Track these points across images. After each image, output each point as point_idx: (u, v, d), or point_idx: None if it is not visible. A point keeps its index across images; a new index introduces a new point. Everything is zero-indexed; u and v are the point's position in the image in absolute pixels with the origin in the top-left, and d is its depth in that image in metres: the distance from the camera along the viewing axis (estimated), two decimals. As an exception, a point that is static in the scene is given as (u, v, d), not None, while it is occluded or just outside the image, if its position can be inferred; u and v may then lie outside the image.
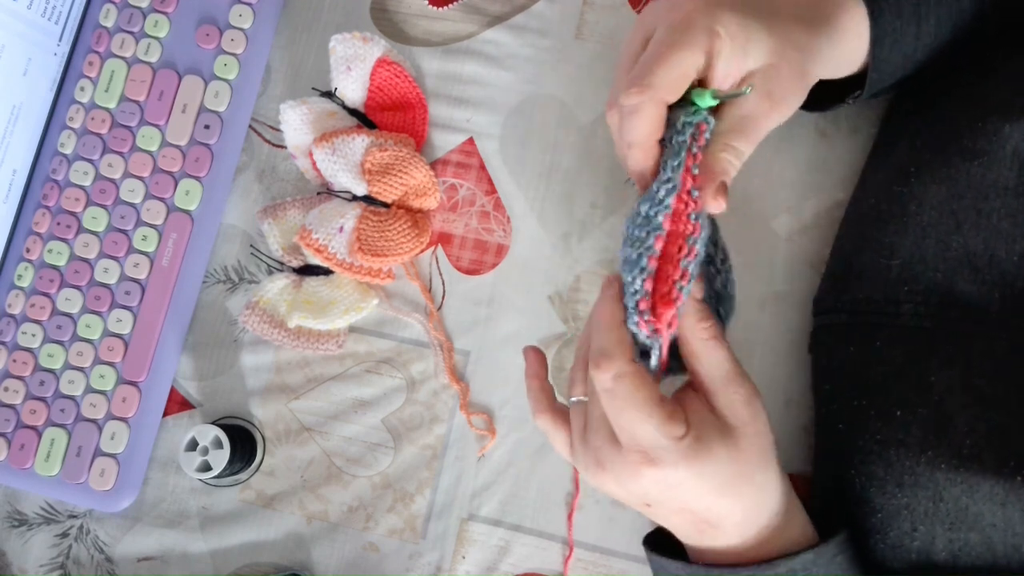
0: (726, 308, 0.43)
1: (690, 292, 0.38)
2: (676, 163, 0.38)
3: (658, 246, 0.37)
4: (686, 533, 0.41)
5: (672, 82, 0.38)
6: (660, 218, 0.37)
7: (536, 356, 0.45)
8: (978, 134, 0.43)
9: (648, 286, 0.37)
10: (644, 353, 0.39)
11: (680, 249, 0.37)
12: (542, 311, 0.56)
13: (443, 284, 0.58)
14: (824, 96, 0.47)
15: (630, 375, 0.37)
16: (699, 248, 0.38)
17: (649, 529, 0.48)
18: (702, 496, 0.38)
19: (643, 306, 0.37)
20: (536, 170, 0.58)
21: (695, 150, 0.38)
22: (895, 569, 0.41)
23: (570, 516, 0.53)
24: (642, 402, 0.37)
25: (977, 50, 0.46)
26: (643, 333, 0.38)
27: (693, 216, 0.38)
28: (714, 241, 0.40)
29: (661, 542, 0.45)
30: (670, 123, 0.40)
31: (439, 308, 0.57)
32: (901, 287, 0.44)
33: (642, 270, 0.37)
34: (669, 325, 0.37)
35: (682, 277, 0.37)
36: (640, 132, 0.39)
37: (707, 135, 0.39)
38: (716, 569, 0.40)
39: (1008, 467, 0.38)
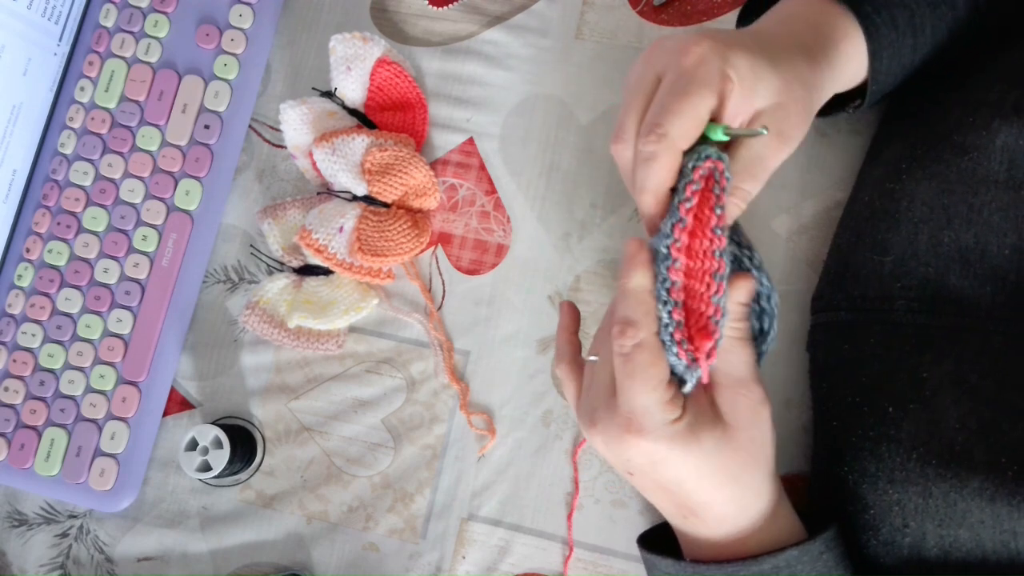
0: (769, 322, 0.43)
1: (725, 326, 0.39)
2: (678, 200, 0.38)
3: (673, 277, 0.38)
4: (671, 514, 0.42)
5: (687, 131, 0.38)
6: (665, 249, 0.38)
7: (570, 310, 0.47)
8: (968, 130, 0.43)
9: (677, 316, 0.38)
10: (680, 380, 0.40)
11: (708, 286, 0.38)
12: (542, 311, 0.56)
13: (443, 284, 0.58)
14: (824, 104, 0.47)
15: (650, 348, 0.38)
16: (726, 284, 0.38)
17: (645, 529, 0.48)
18: (683, 481, 0.39)
19: (678, 336, 0.38)
20: (536, 170, 0.58)
21: (718, 191, 0.38)
22: (888, 565, 0.42)
23: (570, 516, 0.53)
24: (652, 377, 0.38)
25: (968, 49, 0.47)
26: (682, 363, 0.38)
27: (718, 253, 0.38)
28: (739, 243, 0.41)
29: (655, 541, 0.45)
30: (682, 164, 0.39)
31: (439, 308, 0.57)
32: (894, 283, 0.44)
33: (665, 303, 0.38)
34: (708, 356, 0.38)
35: (715, 312, 0.38)
36: (656, 180, 0.39)
37: (727, 174, 0.38)
38: (703, 566, 0.41)
39: (999, 463, 0.38)
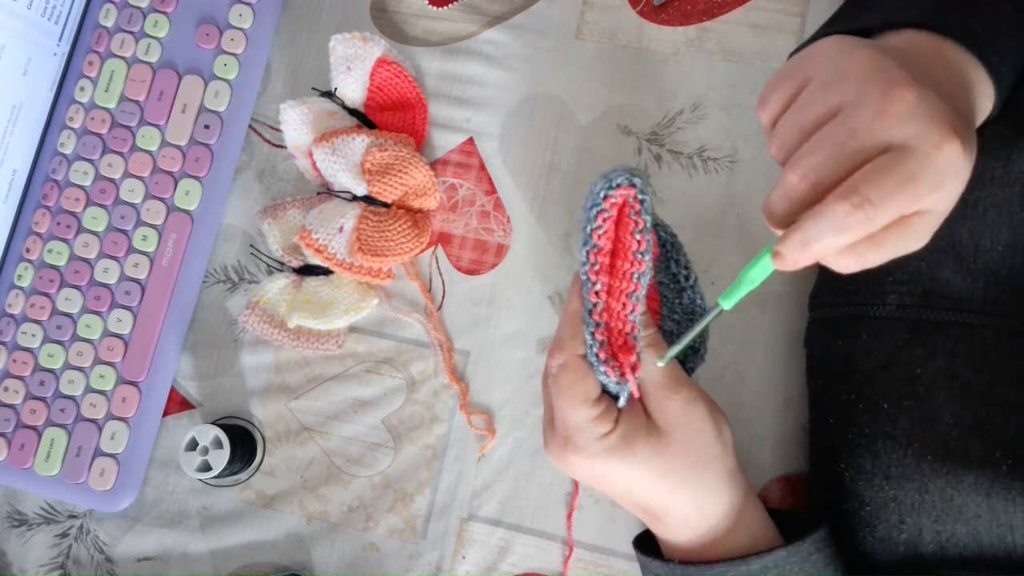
0: (700, 341, 0.47)
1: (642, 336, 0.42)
2: (590, 228, 0.40)
3: (593, 299, 0.40)
4: (643, 519, 0.43)
5: (887, 215, 0.32)
6: (584, 275, 0.40)
7: None
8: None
9: (600, 336, 0.40)
10: (616, 396, 0.42)
11: (624, 305, 0.40)
12: (542, 311, 0.56)
13: (443, 284, 0.58)
14: None
15: (574, 368, 0.40)
16: (641, 303, 0.41)
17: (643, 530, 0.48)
18: (631, 490, 0.41)
19: (603, 355, 0.40)
20: (536, 170, 0.58)
21: (634, 216, 0.40)
22: (885, 562, 0.42)
23: (570, 516, 0.53)
24: (578, 395, 0.40)
25: None
26: (613, 381, 0.40)
27: (636, 276, 0.40)
28: (676, 260, 0.42)
29: (650, 543, 0.46)
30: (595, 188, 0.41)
31: (439, 308, 0.57)
32: (886, 277, 0.44)
33: (587, 324, 0.40)
34: (633, 369, 0.40)
35: (632, 329, 0.41)
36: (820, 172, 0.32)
37: (640, 196, 0.40)
38: (692, 567, 0.41)
39: (994, 458, 0.38)
